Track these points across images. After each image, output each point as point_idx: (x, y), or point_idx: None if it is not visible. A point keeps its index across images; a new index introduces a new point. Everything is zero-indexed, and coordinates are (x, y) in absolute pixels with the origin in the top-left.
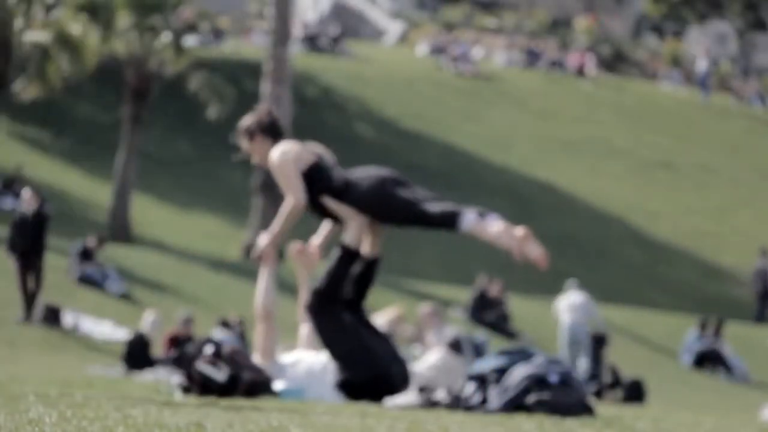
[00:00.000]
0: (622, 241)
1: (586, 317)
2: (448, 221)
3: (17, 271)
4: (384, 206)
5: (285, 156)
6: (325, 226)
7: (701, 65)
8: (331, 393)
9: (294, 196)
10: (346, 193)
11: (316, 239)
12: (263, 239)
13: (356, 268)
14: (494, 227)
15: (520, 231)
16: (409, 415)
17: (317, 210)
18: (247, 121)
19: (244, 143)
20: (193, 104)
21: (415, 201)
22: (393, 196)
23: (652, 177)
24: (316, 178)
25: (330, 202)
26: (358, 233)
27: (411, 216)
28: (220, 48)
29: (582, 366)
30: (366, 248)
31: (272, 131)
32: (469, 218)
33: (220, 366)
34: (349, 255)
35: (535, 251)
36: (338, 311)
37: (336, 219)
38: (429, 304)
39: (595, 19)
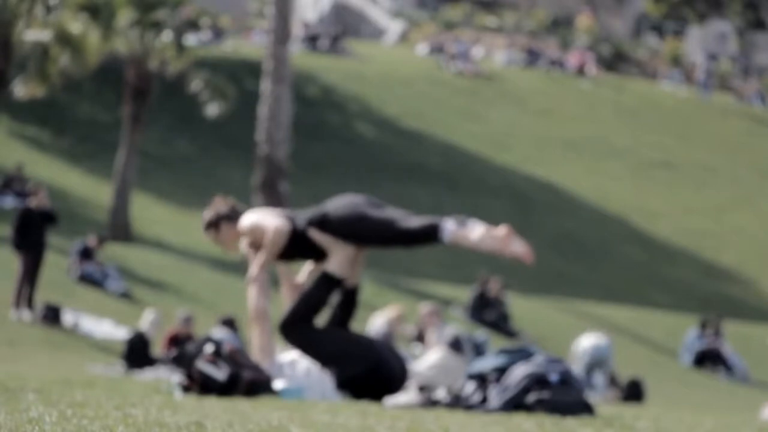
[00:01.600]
0: (622, 241)
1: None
2: (430, 233)
3: (25, 264)
4: (363, 227)
5: (252, 214)
6: (308, 266)
7: (701, 65)
8: (332, 392)
9: (275, 225)
10: (326, 223)
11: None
12: (243, 246)
13: (336, 298)
14: (475, 232)
15: (501, 230)
16: (409, 414)
17: (301, 250)
18: (207, 216)
19: (213, 237)
20: (193, 103)
21: (393, 219)
22: (370, 217)
23: (652, 177)
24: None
25: (316, 234)
26: (343, 262)
27: (392, 234)
28: (221, 47)
29: (599, 380)
30: (348, 278)
31: (233, 216)
32: (449, 227)
33: (220, 365)
34: (330, 282)
35: (521, 248)
36: (313, 323)
37: (318, 256)
38: (429, 304)
39: (596, 18)
